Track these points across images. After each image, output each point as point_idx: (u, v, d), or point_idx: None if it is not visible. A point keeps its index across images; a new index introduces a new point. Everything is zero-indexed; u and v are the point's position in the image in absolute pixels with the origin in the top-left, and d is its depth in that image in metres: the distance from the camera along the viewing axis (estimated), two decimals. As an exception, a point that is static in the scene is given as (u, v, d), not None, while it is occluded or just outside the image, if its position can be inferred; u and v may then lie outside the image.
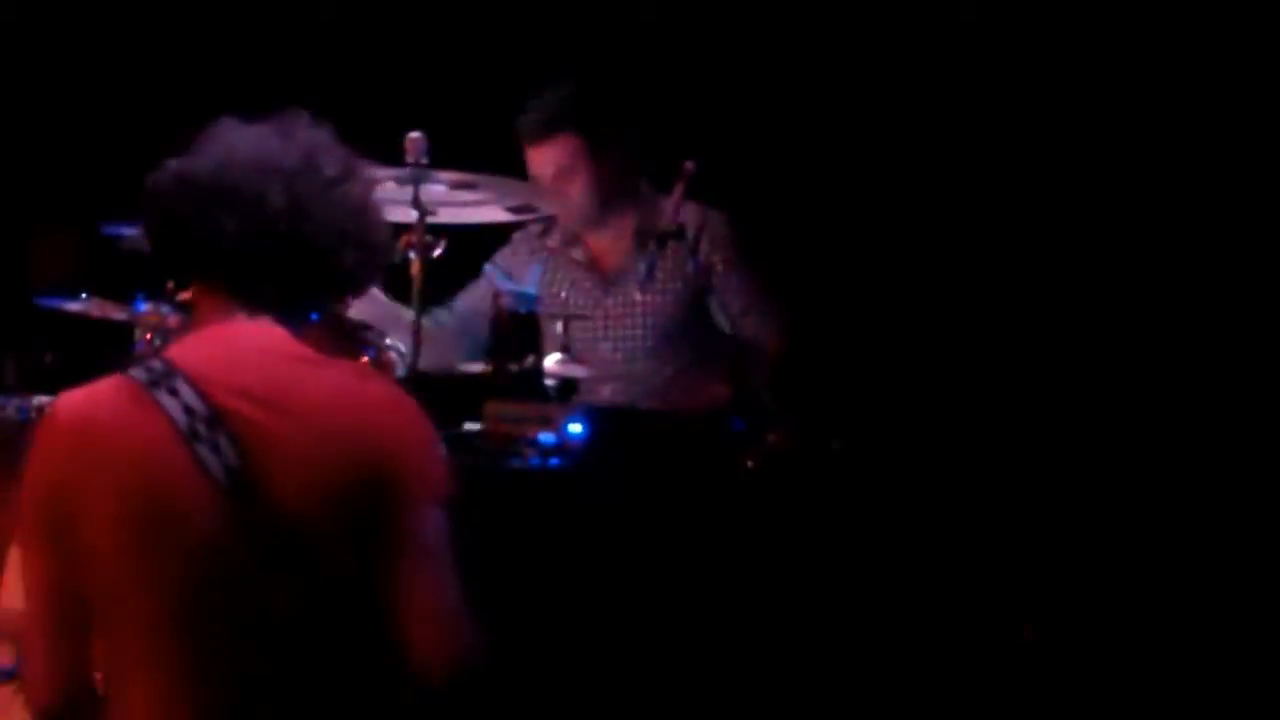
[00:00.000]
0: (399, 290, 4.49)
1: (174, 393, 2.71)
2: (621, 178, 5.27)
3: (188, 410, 2.70)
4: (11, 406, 5.39)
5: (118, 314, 4.93)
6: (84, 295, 5.02)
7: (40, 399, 5.37)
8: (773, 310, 5.24)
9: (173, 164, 2.87)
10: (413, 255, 4.43)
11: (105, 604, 2.72)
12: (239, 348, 2.80)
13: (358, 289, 3.00)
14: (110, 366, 5.43)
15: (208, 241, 2.83)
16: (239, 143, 2.86)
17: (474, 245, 5.03)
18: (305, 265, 2.85)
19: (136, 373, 2.75)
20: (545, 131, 5.21)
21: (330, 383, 2.81)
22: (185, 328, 2.97)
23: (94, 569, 2.71)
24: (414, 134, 4.43)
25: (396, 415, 2.82)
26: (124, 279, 5.18)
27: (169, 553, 2.68)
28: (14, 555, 2.88)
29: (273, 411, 2.73)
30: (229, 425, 2.69)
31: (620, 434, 4.23)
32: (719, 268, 5.24)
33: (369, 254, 2.90)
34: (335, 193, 2.87)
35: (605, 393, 5.15)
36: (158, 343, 4.84)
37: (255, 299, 2.85)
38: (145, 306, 4.89)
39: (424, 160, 4.43)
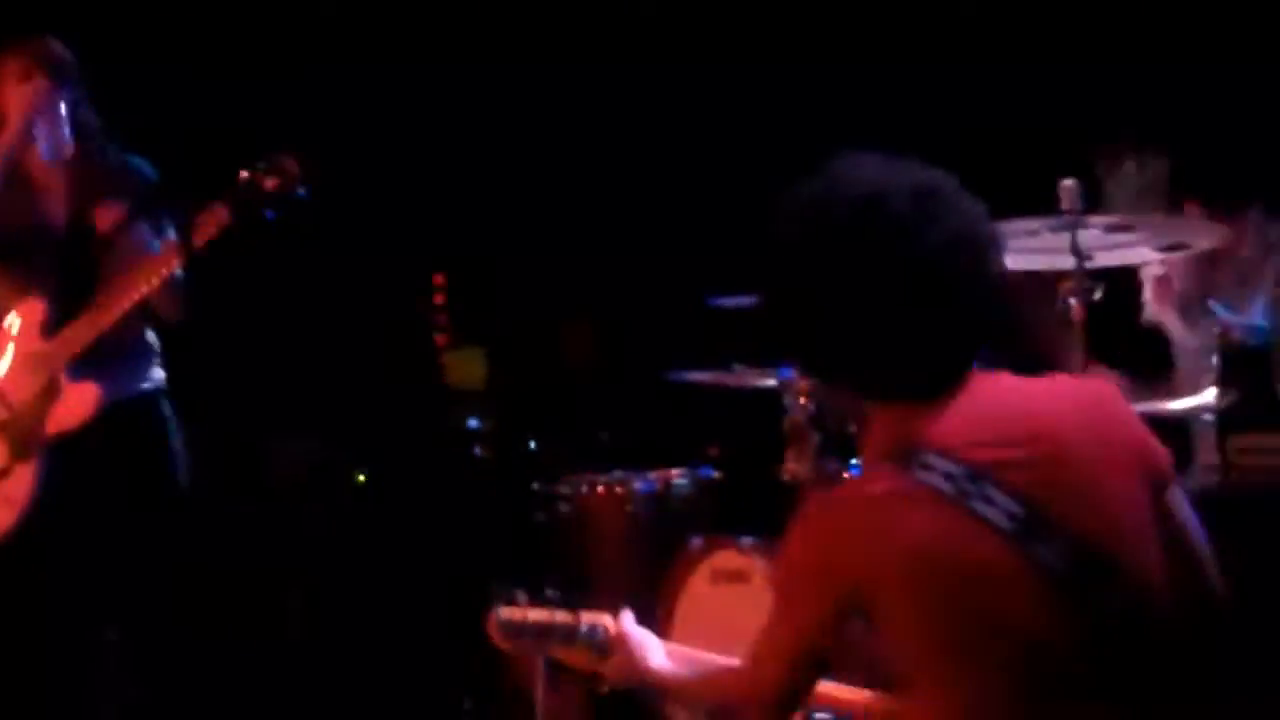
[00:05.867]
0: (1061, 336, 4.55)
1: (926, 467, 2.77)
2: None
3: (947, 476, 2.75)
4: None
5: (765, 381, 5.11)
6: (734, 366, 5.19)
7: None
8: None
9: (810, 239, 2.82)
10: (1074, 301, 4.47)
11: (915, 668, 2.79)
12: (975, 408, 2.83)
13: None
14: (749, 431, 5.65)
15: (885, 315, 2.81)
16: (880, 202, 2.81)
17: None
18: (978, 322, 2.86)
19: (887, 461, 2.81)
20: None
21: (1057, 396, 2.86)
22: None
23: (900, 640, 2.79)
24: (1068, 181, 4.47)
25: (1121, 400, 2.89)
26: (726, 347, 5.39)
27: (980, 617, 2.73)
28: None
29: (1024, 447, 2.78)
30: (993, 476, 2.75)
31: None
32: None
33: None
34: (982, 241, 2.85)
35: None
36: (810, 407, 5.00)
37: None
38: (793, 372, 5.04)
39: (1079, 206, 4.47)
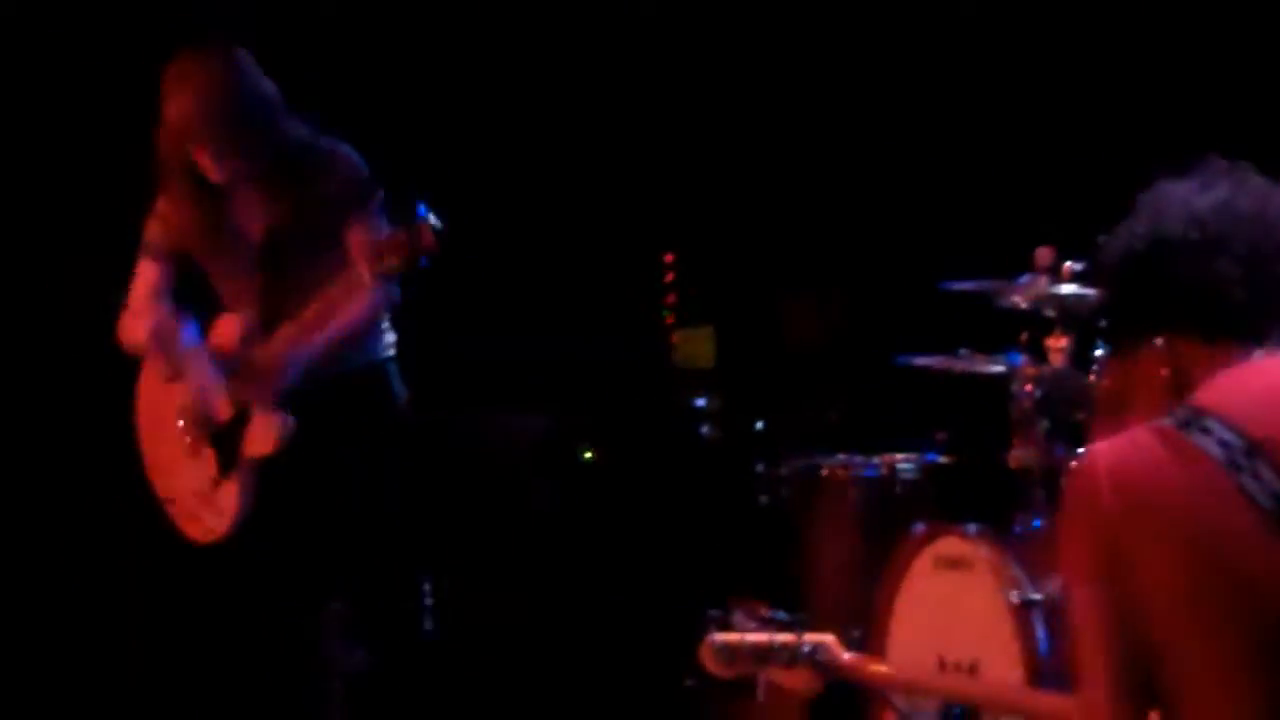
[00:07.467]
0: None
1: (1206, 431, 2.76)
2: None
3: (1223, 444, 2.74)
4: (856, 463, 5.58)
5: (992, 367, 5.06)
6: (962, 351, 5.14)
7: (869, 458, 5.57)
8: None
9: (1150, 221, 2.89)
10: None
11: (1163, 645, 2.75)
12: (1260, 382, 2.82)
13: None
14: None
15: (1207, 291, 2.86)
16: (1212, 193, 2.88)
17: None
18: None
19: (1165, 420, 2.80)
20: None
21: None
22: (1157, 379, 2.96)
23: (1152, 610, 2.75)
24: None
25: None
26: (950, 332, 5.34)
27: (1230, 588, 2.71)
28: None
29: None
30: (1268, 453, 2.73)
31: None
32: None
33: None
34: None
35: None
36: (1037, 394, 4.93)
37: (1246, 336, 2.86)
38: (1021, 359, 4.99)
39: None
